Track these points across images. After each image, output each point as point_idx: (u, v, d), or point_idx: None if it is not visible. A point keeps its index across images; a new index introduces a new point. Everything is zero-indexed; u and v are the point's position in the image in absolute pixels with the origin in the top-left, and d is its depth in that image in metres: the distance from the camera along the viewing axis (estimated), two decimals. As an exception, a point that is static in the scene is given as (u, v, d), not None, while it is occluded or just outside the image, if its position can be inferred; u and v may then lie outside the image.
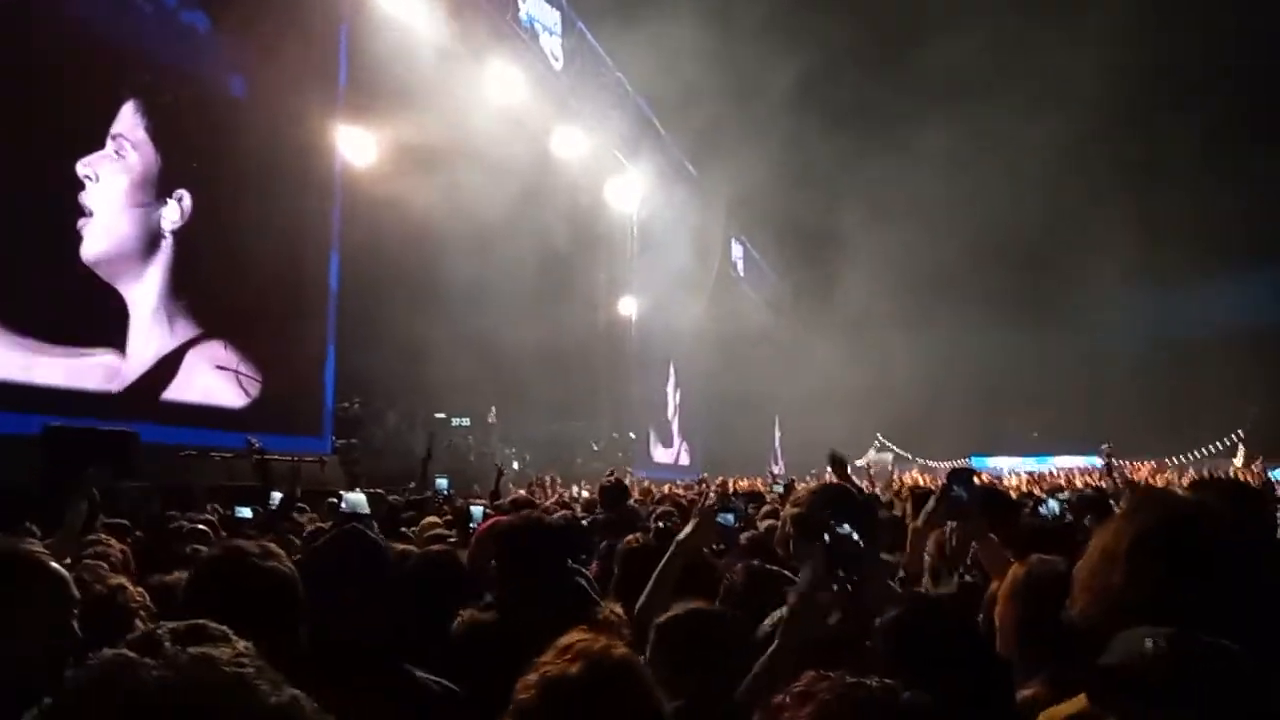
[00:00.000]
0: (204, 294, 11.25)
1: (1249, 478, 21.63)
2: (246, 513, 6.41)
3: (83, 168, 9.84)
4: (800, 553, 2.94)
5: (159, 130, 10.60)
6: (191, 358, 11.12)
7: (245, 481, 8.84)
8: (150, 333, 10.73)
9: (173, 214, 10.93)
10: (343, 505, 4.48)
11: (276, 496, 6.11)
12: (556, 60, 19.73)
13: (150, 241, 10.70)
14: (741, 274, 33.91)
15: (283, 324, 12.17)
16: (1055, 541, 3.46)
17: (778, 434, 37.91)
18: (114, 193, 10.23)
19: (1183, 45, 28.07)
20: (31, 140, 9.16)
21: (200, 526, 4.88)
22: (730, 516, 4.30)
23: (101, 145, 10.08)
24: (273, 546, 2.19)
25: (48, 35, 9.30)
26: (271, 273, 11.86)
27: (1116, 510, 5.18)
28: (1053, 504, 6.76)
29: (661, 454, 27.83)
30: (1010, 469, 29.86)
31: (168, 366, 10.84)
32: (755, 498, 8.31)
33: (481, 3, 16.66)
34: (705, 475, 15.14)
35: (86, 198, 9.88)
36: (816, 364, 32.84)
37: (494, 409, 17.75)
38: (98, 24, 9.93)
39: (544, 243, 18.38)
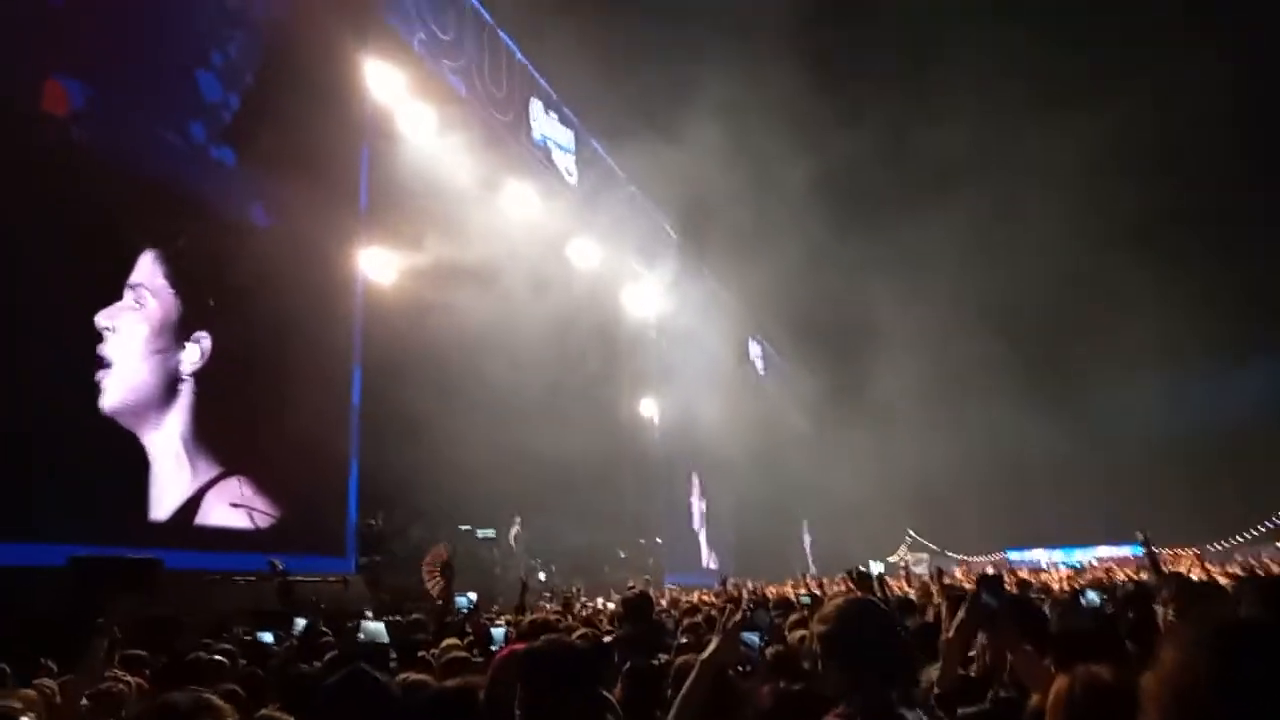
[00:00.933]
0: (225, 430, 11.22)
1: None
2: (269, 638, 6.33)
3: (103, 320, 9.81)
4: (829, 676, 2.85)
5: (178, 276, 10.68)
6: (211, 497, 11.06)
7: (270, 605, 8.77)
8: (172, 479, 10.64)
9: (193, 356, 10.97)
10: (361, 635, 4.41)
11: (300, 622, 6.02)
12: (570, 175, 20.38)
13: (169, 386, 10.65)
14: (762, 373, 33.97)
15: (305, 443, 12.21)
16: (1095, 646, 3.33)
17: (807, 536, 37.20)
18: (133, 342, 10.21)
19: (1206, 140, 28.62)
20: (50, 290, 9.15)
21: (218, 657, 4.80)
22: (755, 636, 4.14)
23: (120, 296, 10.10)
24: (213, 700, 2.06)
25: (77, 173, 9.55)
26: (293, 394, 11.98)
27: (1159, 605, 4.99)
28: (1092, 595, 6.53)
29: (690, 559, 27.32)
30: (1049, 561, 29.15)
31: (190, 508, 10.81)
32: (784, 605, 8.10)
33: (496, 125, 17.34)
34: (733, 581, 14.71)
35: (106, 349, 9.84)
36: (843, 461, 32.47)
37: (518, 519, 17.60)
38: (129, 157, 10.26)
39: (564, 352, 18.60)
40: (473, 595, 12.54)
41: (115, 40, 10.17)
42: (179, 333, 10.78)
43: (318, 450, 12.55)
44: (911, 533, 37.09)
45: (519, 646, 3.89)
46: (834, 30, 27.14)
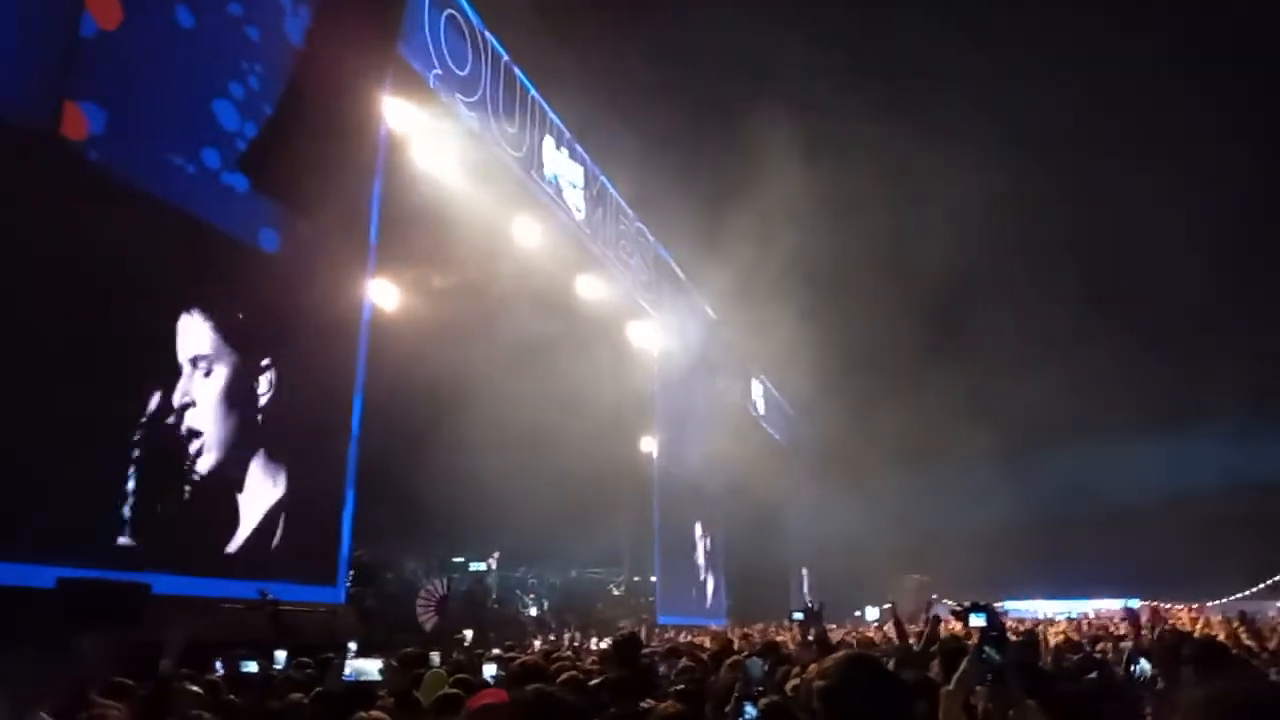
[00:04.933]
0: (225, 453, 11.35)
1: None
2: (252, 667, 6.23)
3: (179, 398, 10.40)
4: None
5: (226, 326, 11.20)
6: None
7: (257, 634, 8.65)
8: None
9: (263, 388, 11.64)
10: (346, 673, 4.31)
11: (281, 655, 5.92)
12: (580, 211, 20.52)
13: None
14: (762, 413, 33.90)
15: (301, 471, 12.17)
16: (1100, 707, 3.27)
17: (805, 577, 36.89)
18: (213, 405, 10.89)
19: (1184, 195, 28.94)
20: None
21: (195, 689, 4.71)
22: (752, 710, 3.98)
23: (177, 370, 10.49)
24: None
25: (90, 194, 9.69)
26: (292, 421, 11.98)
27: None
28: (1145, 665, 5.41)
29: (686, 599, 27.05)
30: (1053, 612, 28.99)
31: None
32: (771, 650, 7.91)
33: (509, 160, 17.48)
34: (728, 625, 14.40)
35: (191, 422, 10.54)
36: (843, 506, 32.32)
37: (496, 554, 17.43)
38: (138, 181, 10.34)
39: (568, 387, 18.56)
40: (469, 632, 12.45)
41: (137, 68, 10.32)
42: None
43: (313, 478, 12.50)
44: (914, 576, 36.78)
45: (492, 697, 3.80)
46: (848, 68, 27.48)
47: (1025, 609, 33.77)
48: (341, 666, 4.48)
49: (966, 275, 28.05)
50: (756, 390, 33.63)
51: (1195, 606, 30.67)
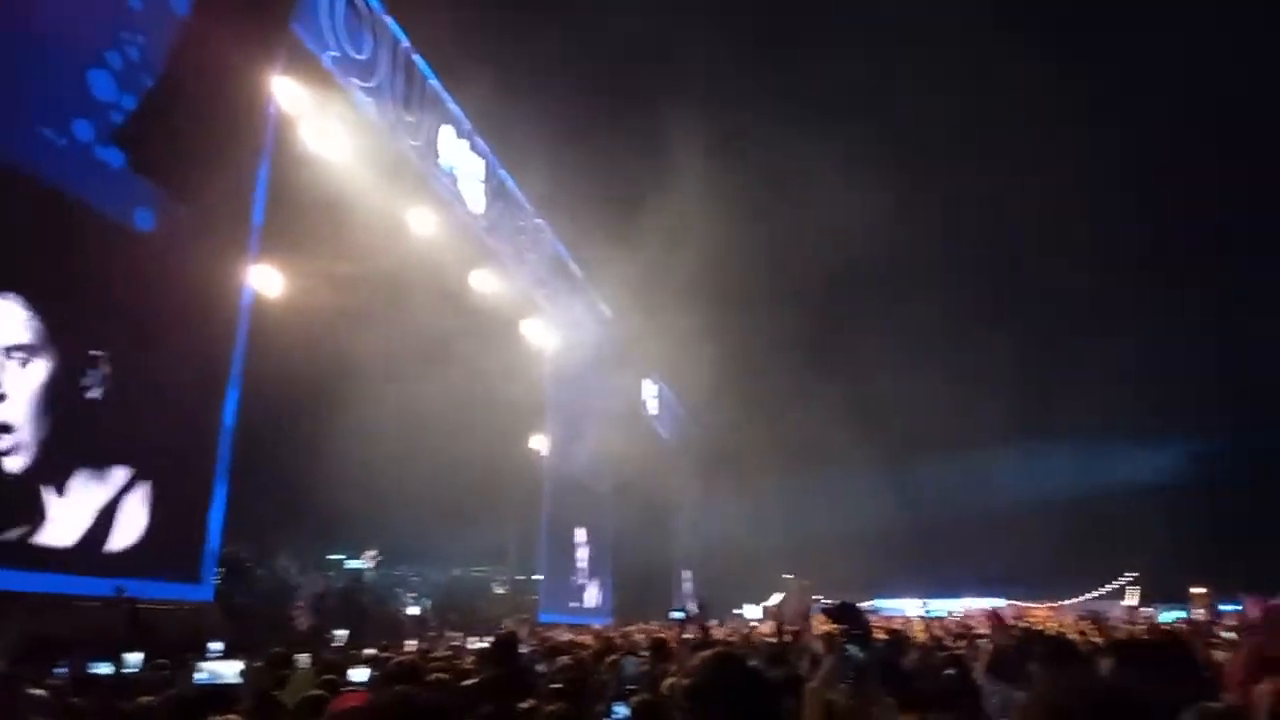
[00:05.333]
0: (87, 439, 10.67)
1: (1137, 618, 22.49)
2: (105, 668, 5.90)
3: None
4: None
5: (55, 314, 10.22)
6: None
7: (113, 632, 8.19)
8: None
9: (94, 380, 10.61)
10: (198, 675, 4.12)
11: (134, 657, 5.63)
12: (478, 204, 20.23)
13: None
14: (654, 414, 34.17)
15: (161, 465, 11.55)
16: (955, 702, 3.44)
17: (687, 576, 37.36)
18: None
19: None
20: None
21: (39, 693, 4.42)
22: (623, 710, 4.00)
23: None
24: None
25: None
26: (159, 411, 11.38)
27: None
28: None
29: (570, 598, 27.01)
30: (922, 612, 30.34)
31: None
32: (658, 649, 7.97)
33: (406, 149, 17.08)
34: (612, 624, 14.46)
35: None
36: (727, 507, 32.90)
37: (374, 552, 17.04)
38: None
39: (456, 381, 18.27)
40: (341, 632, 12.11)
41: (3, 36, 9.64)
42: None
43: (180, 471, 11.91)
44: (787, 577, 37.69)
45: (357, 699, 3.72)
46: (753, 67, 28.02)
47: (899, 608, 35.20)
48: (196, 669, 4.27)
49: (850, 283, 29.11)
50: (649, 390, 33.85)
51: (1053, 606, 32.84)
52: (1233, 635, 10.47)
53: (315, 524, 15.41)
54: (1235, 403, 34.28)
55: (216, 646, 8.25)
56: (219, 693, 4.03)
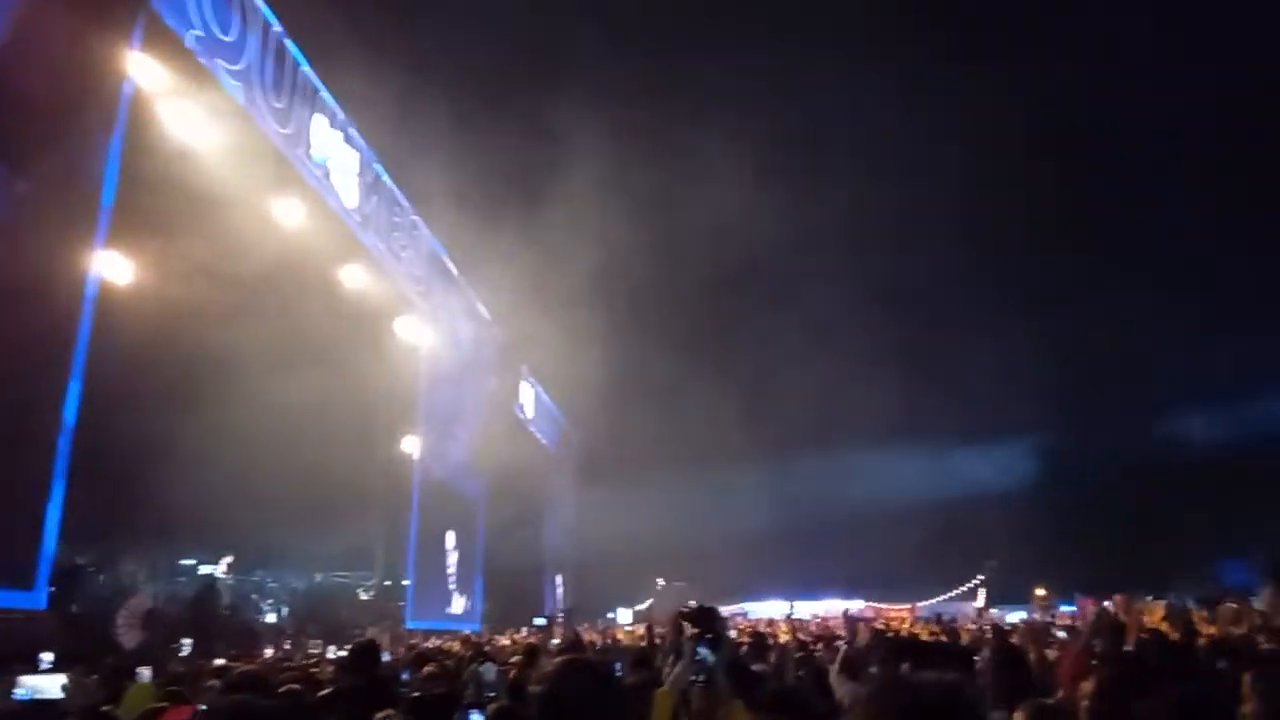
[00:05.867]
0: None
1: (985, 619, 23.92)
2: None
3: None
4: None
5: None
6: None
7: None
8: None
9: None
10: (18, 691, 3.85)
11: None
12: (350, 197, 19.61)
13: None
14: (530, 417, 33.96)
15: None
16: (805, 701, 3.56)
17: (560, 582, 37.29)
18: None
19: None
20: None
21: None
22: (478, 717, 4.00)
23: None
24: None
25: None
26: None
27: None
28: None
29: (442, 604, 26.47)
30: (784, 613, 31.27)
31: None
32: (530, 655, 7.94)
33: (274, 136, 16.39)
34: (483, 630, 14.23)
35: None
36: (599, 511, 33.02)
37: (229, 558, 16.26)
38: None
39: (324, 380, 17.64)
40: (187, 642, 11.50)
41: None
42: None
43: (13, 467, 11.04)
44: (660, 582, 38.24)
45: (182, 714, 3.56)
46: (638, 62, 28.24)
47: (767, 611, 36.14)
48: (16, 684, 3.98)
49: (726, 288, 29.76)
50: (526, 393, 33.60)
51: (909, 607, 34.49)
52: (1063, 635, 11.27)
53: (164, 528, 14.54)
54: (1077, 406, 36.73)
55: (48, 658, 7.70)
56: (41, 708, 3.76)
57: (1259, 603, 11.77)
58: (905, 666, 3.15)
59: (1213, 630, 10.04)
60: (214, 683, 6.10)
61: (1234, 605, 11.88)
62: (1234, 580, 22.45)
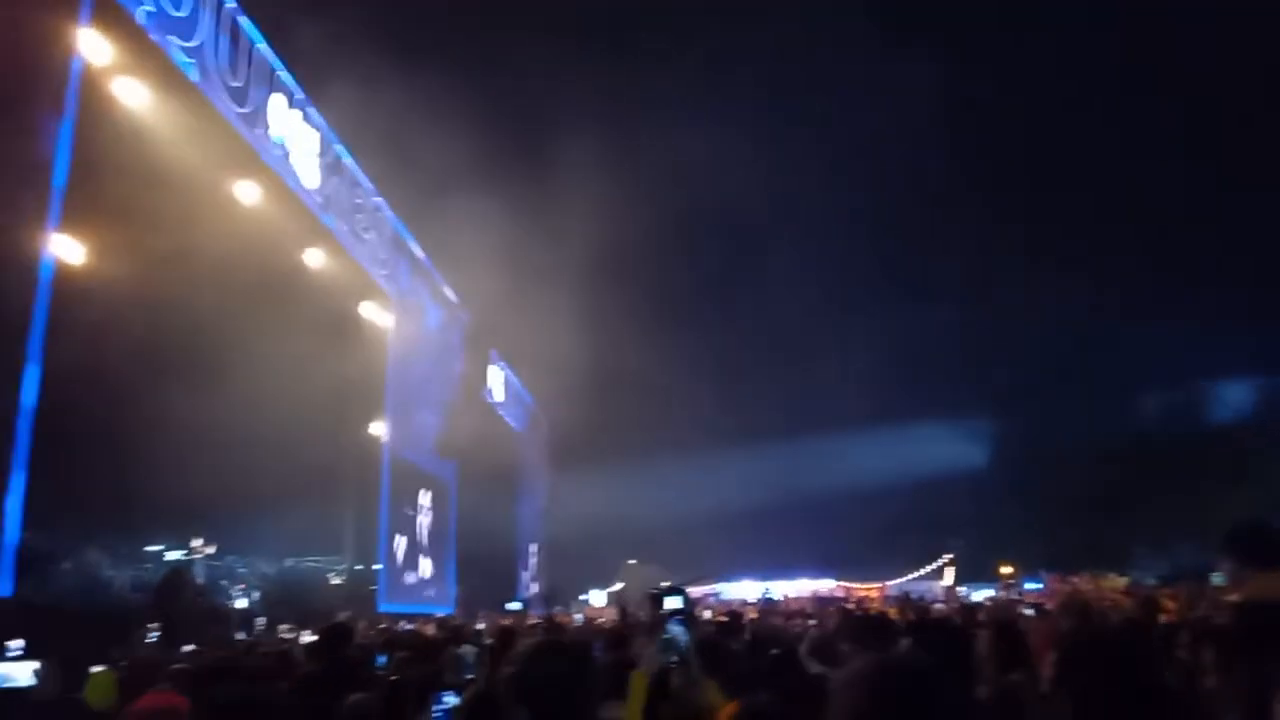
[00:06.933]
0: None
1: (953, 597, 24.31)
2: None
3: None
4: (519, 716, 2.83)
5: None
6: None
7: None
8: None
9: None
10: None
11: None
12: (312, 179, 19.28)
13: None
14: (499, 400, 33.81)
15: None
16: (776, 681, 3.57)
17: (533, 565, 37.34)
18: None
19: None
20: None
21: None
22: (452, 699, 4.00)
23: None
24: None
25: None
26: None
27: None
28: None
29: (414, 587, 26.37)
30: (757, 595, 31.62)
31: None
32: (507, 637, 7.90)
33: (231, 115, 16.04)
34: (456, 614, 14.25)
35: None
36: (571, 493, 33.07)
37: (202, 541, 16.06)
38: None
39: (289, 363, 17.38)
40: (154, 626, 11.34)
41: None
42: None
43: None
44: (632, 563, 38.43)
45: (161, 698, 3.51)
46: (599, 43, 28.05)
47: (739, 591, 36.46)
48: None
49: (705, 266, 29.70)
50: (495, 376, 33.42)
51: (879, 586, 35.03)
52: (1030, 611, 11.43)
53: (130, 513, 14.31)
54: (1041, 388, 37.37)
55: (16, 645, 7.59)
56: (11, 695, 3.69)
57: (1217, 578, 12.01)
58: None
59: (1172, 608, 10.28)
60: (183, 666, 6.01)
61: (1194, 586, 12.13)
62: (1190, 562, 22.95)
